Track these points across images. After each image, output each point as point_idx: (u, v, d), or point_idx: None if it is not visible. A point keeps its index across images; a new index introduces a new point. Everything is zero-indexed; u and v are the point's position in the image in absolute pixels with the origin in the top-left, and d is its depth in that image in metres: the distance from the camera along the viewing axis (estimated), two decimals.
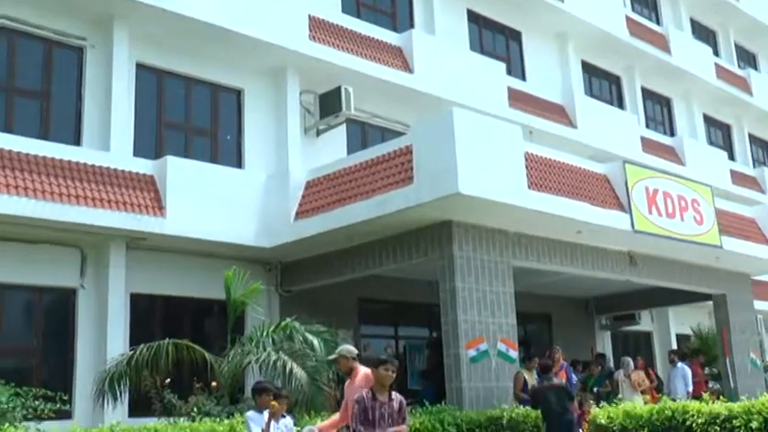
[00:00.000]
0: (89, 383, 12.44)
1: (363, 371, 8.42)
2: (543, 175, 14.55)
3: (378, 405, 7.58)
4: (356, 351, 8.74)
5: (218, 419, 10.12)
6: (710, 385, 20.15)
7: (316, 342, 12.00)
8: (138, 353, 11.61)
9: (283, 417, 8.99)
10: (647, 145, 25.08)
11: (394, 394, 7.78)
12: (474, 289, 13.79)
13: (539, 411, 12.36)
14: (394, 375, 7.77)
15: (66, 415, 12.31)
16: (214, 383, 11.78)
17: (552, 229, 14.98)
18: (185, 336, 12.58)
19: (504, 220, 14.15)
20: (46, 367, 13.60)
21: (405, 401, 7.87)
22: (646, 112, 27.44)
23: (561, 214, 14.39)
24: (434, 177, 12.97)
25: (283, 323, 12.41)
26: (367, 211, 13.82)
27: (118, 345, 13.44)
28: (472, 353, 13.44)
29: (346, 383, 8.74)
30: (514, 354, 14.17)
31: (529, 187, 13.96)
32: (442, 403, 12.72)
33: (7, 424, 8.65)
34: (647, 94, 27.82)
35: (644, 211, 15.86)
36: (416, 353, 18.95)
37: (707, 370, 21.30)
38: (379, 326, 18.44)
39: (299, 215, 15.24)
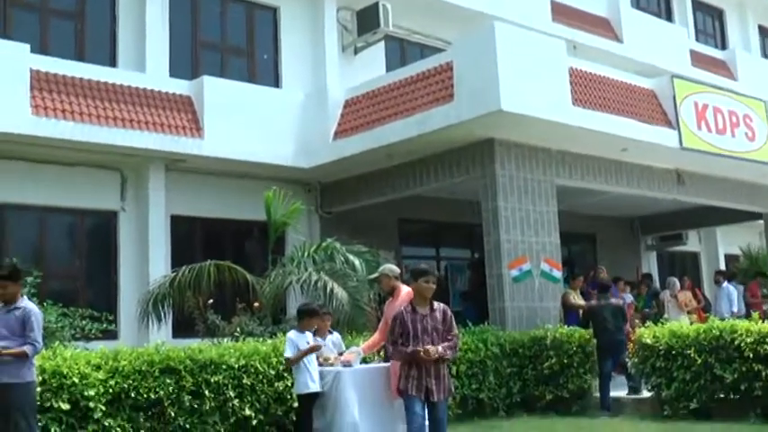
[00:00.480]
0: (133, 305, 12.73)
1: (405, 290, 8.49)
2: (588, 90, 14.38)
3: (418, 318, 7.14)
4: (398, 270, 8.79)
5: (261, 339, 10.32)
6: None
7: (357, 262, 12.12)
8: (180, 274, 11.81)
9: (330, 333, 9.23)
10: (697, 59, 24.47)
11: (436, 305, 7.29)
12: (517, 208, 13.81)
13: (585, 331, 12.48)
14: (434, 287, 7.36)
15: (112, 335, 12.65)
16: (256, 304, 11.97)
17: (597, 146, 14.83)
18: (226, 257, 12.78)
19: (547, 137, 14.04)
20: (90, 289, 13.96)
21: (450, 311, 7.42)
22: (696, 24, 26.72)
23: (606, 131, 14.23)
24: (476, 94, 12.87)
25: (324, 243, 12.53)
26: (407, 129, 13.79)
27: (160, 267, 13.75)
28: (515, 273, 13.55)
29: (387, 303, 8.84)
30: (558, 273, 14.24)
31: (573, 103, 13.81)
32: (485, 324, 12.88)
33: (57, 342, 8.92)
34: (698, 6, 27.05)
35: (692, 127, 15.61)
36: (458, 274, 19.09)
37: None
38: (420, 246, 18.53)
39: (337, 134, 15.28)
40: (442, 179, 14.59)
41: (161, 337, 10.84)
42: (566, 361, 12.14)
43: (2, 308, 7.31)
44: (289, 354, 8.46)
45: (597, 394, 12.21)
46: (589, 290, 14.97)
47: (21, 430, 7.08)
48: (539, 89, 13.17)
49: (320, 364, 8.80)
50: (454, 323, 7.44)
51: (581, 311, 13.55)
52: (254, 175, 15.13)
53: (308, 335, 8.75)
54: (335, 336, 9.37)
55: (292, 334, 8.61)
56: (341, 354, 9.18)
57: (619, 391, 12.35)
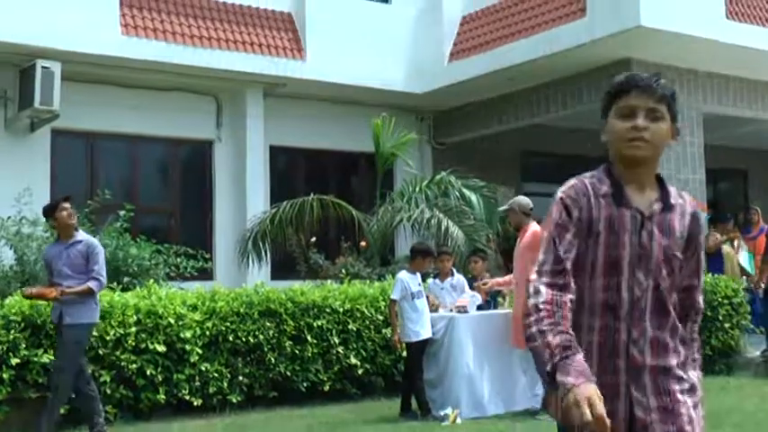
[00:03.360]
0: (230, 243, 13.08)
1: (534, 229, 8.42)
2: (745, 1, 13.83)
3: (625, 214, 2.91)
4: (531, 205, 8.70)
5: (368, 282, 10.48)
6: None
7: (474, 198, 12.10)
8: (280, 210, 12.03)
9: (452, 275, 9.29)
10: None
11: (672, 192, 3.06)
12: None
13: (732, 278, 12.19)
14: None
15: (208, 275, 13.01)
16: (363, 243, 12.11)
17: (753, 67, 14.31)
18: (329, 192, 12.97)
19: (694, 57, 13.61)
20: (185, 225, 14.36)
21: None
22: None
23: (761, 47, 13.66)
24: (611, 8, 12.56)
25: (438, 177, 12.54)
26: (532, 49, 13.58)
27: (258, 201, 14.01)
28: None
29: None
30: (703, 215, 13.89)
31: (726, 16, 13.33)
32: None
33: (152, 280, 9.27)
34: None
35: None
36: None
37: None
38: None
39: (453, 55, 15.16)
40: (571, 106, 14.40)
41: (260, 278, 11.11)
42: (709, 314, 11.80)
43: (60, 243, 7.50)
44: (396, 296, 8.56)
45: (748, 354, 11.96)
46: (740, 235, 14.54)
47: (58, 368, 7.35)
48: (685, 0, 12.73)
49: (434, 310, 8.90)
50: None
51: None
52: (360, 102, 15.16)
53: (419, 276, 8.82)
54: (458, 278, 9.42)
55: (403, 274, 8.70)
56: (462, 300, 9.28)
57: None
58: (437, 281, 9.37)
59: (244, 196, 14.17)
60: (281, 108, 14.73)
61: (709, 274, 12.40)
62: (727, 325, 11.92)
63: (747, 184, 20.99)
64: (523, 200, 8.69)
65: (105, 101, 13.28)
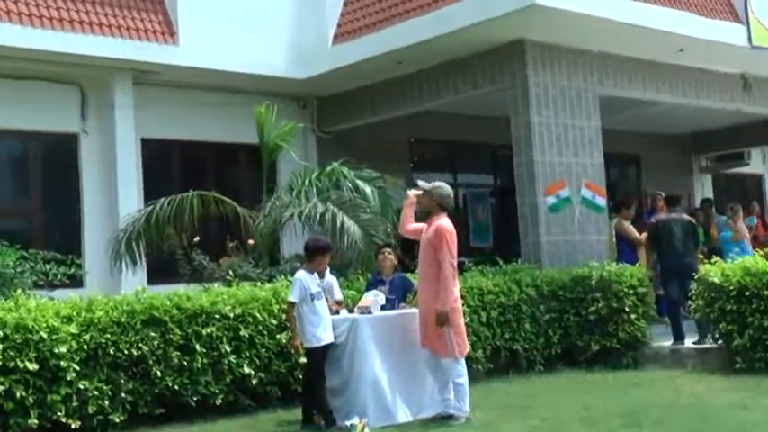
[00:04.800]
0: (101, 246, 12.63)
1: (440, 223, 8.36)
2: None
3: None
4: (451, 196, 8.69)
5: (258, 283, 10.22)
6: None
7: (368, 190, 11.97)
8: (157, 208, 11.70)
9: (320, 276, 8.95)
10: None
11: None
12: (553, 124, 13.70)
13: (637, 268, 12.47)
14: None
15: (78, 282, 12.48)
16: (250, 242, 11.87)
17: (648, 47, 14.57)
18: (209, 187, 12.71)
19: (588, 37, 13.80)
20: (50, 228, 13.82)
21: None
22: None
23: (659, 28, 13.88)
24: None
25: (329, 168, 12.36)
26: (422, 30, 13.51)
27: (131, 200, 13.61)
28: (551, 200, 13.49)
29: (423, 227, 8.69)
30: (602, 201, 14.18)
31: None
32: (517, 262, 12.79)
33: (19, 291, 8.78)
34: None
35: (765, 21, 15.32)
36: (479, 203, 19.03)
37: None
38: (435, 172, 17.69)
39: (338, 38, 15.06)
40: (463, 90, 14.44)
41: (136, 283, 10.74)
42: (615, 305, 12.00)
43: None
44: (295, 298, 8.33)
45: (654, 344, 12.22)
46: (644, 221, 14.85)
47: None
48: None
49: (334, 312, 8.72)
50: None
51: (641, 235, 13.53)
52: (238, 89, 14.96)
53: (317, 276, 8.61)
54: (328, 279, 9.18)
55: (301, 274, 8.47)
56: (337, 302, 9.14)
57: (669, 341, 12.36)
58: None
59: (115, 194, 13.77)
60: (153, 97, 14.39)
61: (617, 263, 12.61)
62: (633, 316, 12.10)
63: (640, 169, 21.47)
64: (445, 189, 8.62)
65: None
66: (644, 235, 13.41)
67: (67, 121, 13.88)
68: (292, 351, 8.93)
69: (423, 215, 8.81)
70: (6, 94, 13.18)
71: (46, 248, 11.61)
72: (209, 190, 12.33)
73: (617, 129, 17.45)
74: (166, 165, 15.02)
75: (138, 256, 11.87)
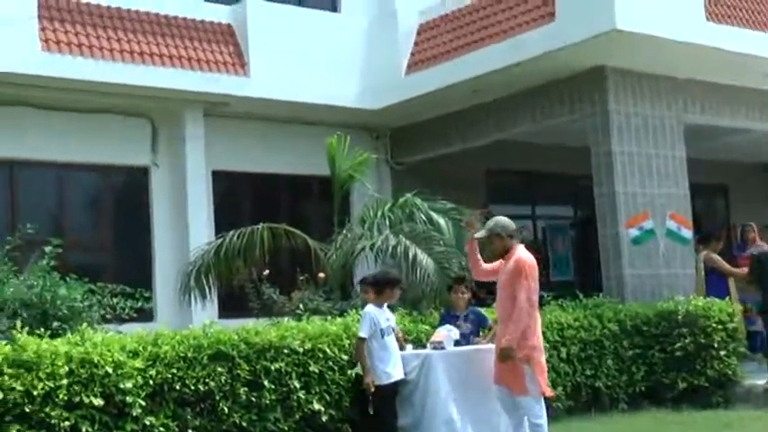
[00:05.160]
0: (171, 279, 12.61)
1: (520, 254, 8.11)
2: (725, 2, 13.86)
3: None
4: (513, 226, 8.38)
5: (328, 318, 10.05)
6: None
7: (442, 222, 11.77)
8: (227, 240, 11.59)
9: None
10: None
11: None
12: (635, 153, 13.53)
13: (727, 303, 12.06)
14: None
15: (148, 316, 12.48)
16: (321, 275, 11.73)
17: (735, 72, 14.29)
18: (280, 220, 12.59)
19: (673, 63, 13.59)
20: (120, 261, 13.93)
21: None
22: None
23: (747, 52, 13.68)
24: (583, 11, 12.48)
25: (401, 200, 12.19)
26: (497, 58, 13.48)
27: (201, 232, 13.68)
28: (634, 232, 13.30)
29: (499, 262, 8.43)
30: (688, 233, 13.91)
31: (707, 18, 13.31)
32: (599, 295, 12.53)
33: (85, 324, 8.73)
34: None
35: None
36: (558, 236, 18.88)
37: None
38: (513, 204, 18.15)
39: (411, 67, 15.04)
40: (541, 119, 14.35)
41: (206, 317, 10.64)
42: (703, 341, 11.68)
43: None
44: (365, 333, 8.16)
45: (746, 382, 11.81)
46: (732, 253, 14.44)
47: None
48: (663, 1, 12.68)
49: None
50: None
51: (736, 270, 13.16)
52: (310, 121, 14.99)
53: (386, 310, 8.44)
54: (388, 314, 8.89)
55: (370, 308, 8.31)
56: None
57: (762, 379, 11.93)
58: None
59: (185, 227, 13.86)
60: (223, 129, 14.49)
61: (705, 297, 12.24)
62: (722, 352, 11.73)
63: (728, 200, 21.08)
64: (505, 221, 8.35)
65: (26, 125, 12.89)
66: (743, 269, 13.02)
67: (138, 154, 14.02)
68: (364, 389, 8.72)
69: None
70: (78, 127, 13.35)
71: (116, 282, 11.53)
72: (281, 222, 12.22)
73: (704, 158, 17.11)
74: (237, 197, 15.11)
75: (207, 289, 11.75)
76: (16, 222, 11.94)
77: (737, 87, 14.85)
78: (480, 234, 8.40)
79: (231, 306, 13.08)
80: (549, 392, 8.30)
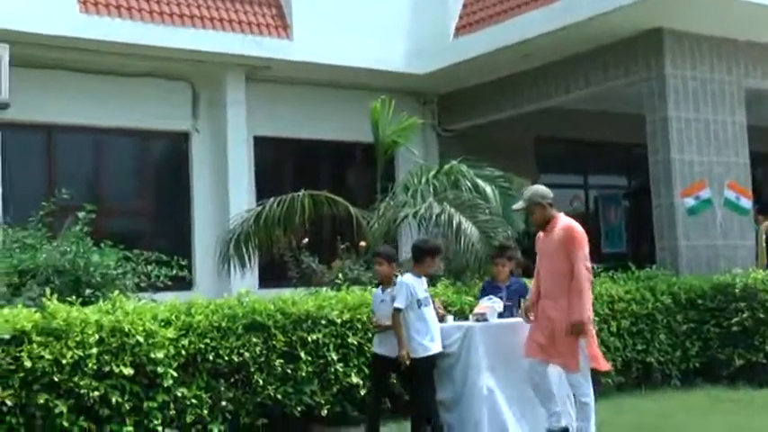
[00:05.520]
0: (211, 247, 12.54)
1: (566, 222, 7.82)
2: None
3: None
4: (551, 194, 8.08)
5: (368, 288, 9.89)
6: None
7: (489, 190, 11.58)
8: (267, 208, 11.48)
9: (394, 284, 8.46)
10: None
11: None
12: (693, 119, 13.28)
13: None
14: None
15: (187, 285, 12.54)
16: (362, 243, 11.59)
17: None
18: (322, 187, 12.51)
19: (733, 23, 13.28)
20: (158, 228, 14.03)
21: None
22: None
23: None
24: None
25: (447, 167, 12.05)
26: (549, 20, 13.22)
27: (242, 199, 13.65)
28: (690, 202, 13.07)
29: (539, 238, 8.16)
30: (747, 203, 13.64)
31: None
32: (652, 267, 12.30)
33: (117, 292, 8.63)
34: None
35: None
36: (611, 206, 18.70)
37: None
38: (564, 173, 18.23)
39: (459, 30, 14.88)
40: (595, 83, 14.13)
41: (245, 287, 10.56)
42: (762, 316, 11.38)
43: None
44: (401, 304, 7.93)
45: None
46: None
47: None
48: None
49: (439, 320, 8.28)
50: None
51: None
52: (355, 85, 14.88)
53: (425, 281, 8.20)
54: (397, 286, 8.36)
55: (408, 278, 8.06)
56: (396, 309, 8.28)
57: None
58: (377, 291, 8.51)
59: (226, 194, 13.86)
60: (266, 94, 14.44)
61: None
62: None
63: None
64: (543, 189, 8.04)
65: (64, 89, 12.89)
66: None
67: (179, 119, 14.03)
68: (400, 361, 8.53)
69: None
70: (116, 91, 13.37)
71: (154, 250, 11.50)
72: (324, 190, 12.10)
73: (764, 126, 16.80)
74: (279, 163, 15.09)
75: (247, 258, 11.64)
76: (53, 188, 11.89)
77: None
78: (519, 206, 8.12)
79: (271, 276, 13.06)
80: (606, 365, 8.06)
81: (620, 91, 14.16)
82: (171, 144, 14.26)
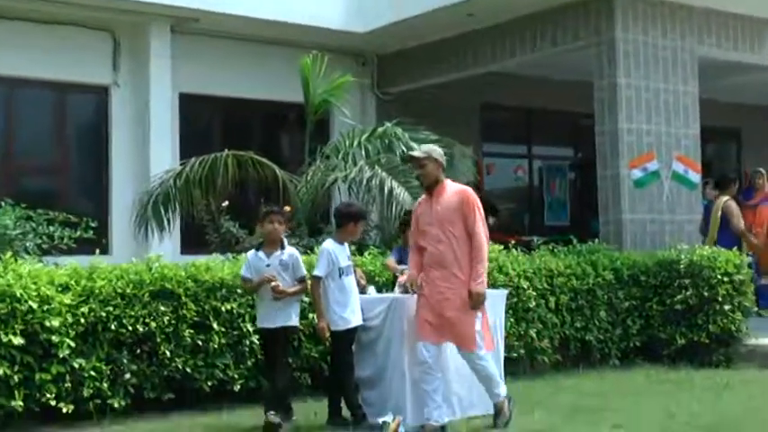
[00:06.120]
0: (129, 210, 12.17)
1: (457, 186, 7.50)
2: None
3: None
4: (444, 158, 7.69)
5: None
6: None
7: None
8: (188, 168, 11.21)
9: (281, 248, 7.99)
10: None
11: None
12: (642, 87, 13.15)
13: (734, 253, 11.46)
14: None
15: (102, 250, 12.05)
16: (286, 208, 11.19)
17: (759, 3, 13.89)
18: (251, 148, 12.18)
19: None
20: (73, 188, 13.70)
21: None
22: None
23: None
24: None
25: (380, 129, 11.91)
26: None
27: (164, 159, 13.31)
28: (637, 174, 12.93)
29: (418, 205, 7.75)
30: (696, 176, 13.54)
31: None
32: (594, 242, 12.09)
33: (9, 253, 8.15)
34: None
35: None
36: (555, 177, 18.58)
37: None
38: (508, 142, 18.14)
39: None
40: (542, 47, 13.98)
41: (166, 252, 10.39)
42: (706, 294, 11.14)
43: None
44: (321, 272, 7.54)
45: (751, 340, 11.32)
46: (740, 200, 13.97)
47: None
48: None
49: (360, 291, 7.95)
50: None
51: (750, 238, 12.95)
52: (289, 42, 14.62)
53: (347, 248, 7.80)
54: (290, 252, 7.88)
55: (329, 244, 7.70)
56: (299, 280, 7.84)
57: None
58: (260, 254, 7.80)
59: (147, 153, 13.57)
60: (193, 48, 14.16)
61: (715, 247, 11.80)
62: (727, 307, 11.19)
63: (741, 144, 20.91)
64: (439, 149, 7.65)
65: None
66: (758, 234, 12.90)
67: (98, 71, 13.72)
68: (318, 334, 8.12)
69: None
70: (31, 39, 13.01)
71: (70, 210, 11.18)
72: (251, 150, 11.85)
73: (716, 98, 16.95)
74: (206, 122, 14.88)
75: (166, 221, 11.36)
76: None
77: (757, 19, 14.43)
78: (417, 153, 7.67)
79: (195, 241, 12.74)
80: (491, 346, 7.62)
81: (568, 56, 14.01)
82: (89, 98, 13.90)
